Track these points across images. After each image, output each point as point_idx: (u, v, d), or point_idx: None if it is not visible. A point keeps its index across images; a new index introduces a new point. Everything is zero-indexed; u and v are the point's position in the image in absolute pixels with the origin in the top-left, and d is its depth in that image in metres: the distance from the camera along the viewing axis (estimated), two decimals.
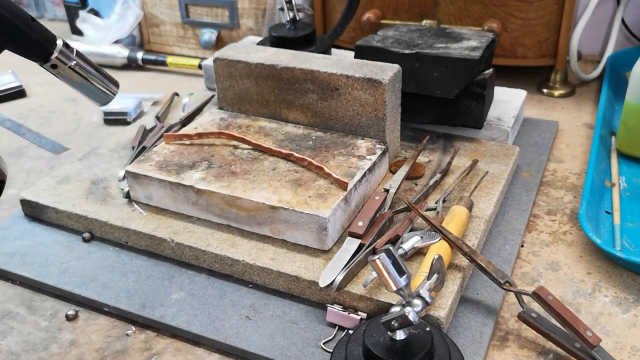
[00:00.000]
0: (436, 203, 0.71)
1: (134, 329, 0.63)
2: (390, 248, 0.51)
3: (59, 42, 0.55)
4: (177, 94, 1.06)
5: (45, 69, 0.56)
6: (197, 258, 0.68)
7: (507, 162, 0.80)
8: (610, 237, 0.72)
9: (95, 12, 1.30)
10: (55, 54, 0.55)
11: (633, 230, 0.73)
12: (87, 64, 0.58)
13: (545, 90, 1.11)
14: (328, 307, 0.61)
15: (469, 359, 0.57)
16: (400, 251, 0.62)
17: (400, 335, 0.53)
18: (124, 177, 0.78)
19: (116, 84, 0.61)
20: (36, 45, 0.53)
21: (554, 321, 0.57)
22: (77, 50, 0.57)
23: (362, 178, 0.71)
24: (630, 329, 0.61)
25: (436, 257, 0.55)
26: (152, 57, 1.24)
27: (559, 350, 0.58)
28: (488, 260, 0.61)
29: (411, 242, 0.63)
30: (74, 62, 0.57)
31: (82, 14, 1.28)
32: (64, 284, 0.67)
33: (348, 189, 0.68)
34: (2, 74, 1.17)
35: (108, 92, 0.61)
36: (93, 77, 0.59)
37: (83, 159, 0.85)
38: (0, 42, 0.49)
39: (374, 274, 0.57)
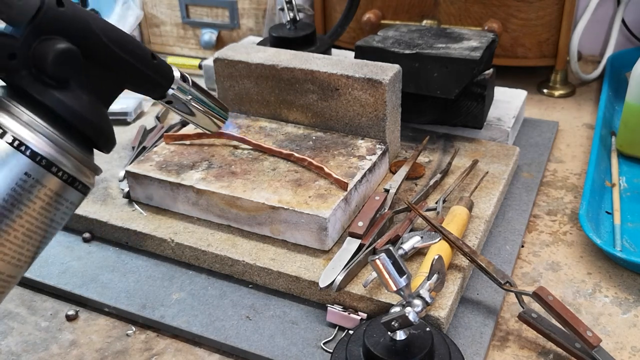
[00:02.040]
0: (436, 203, 0.71)
1: (134, 329, 0.63)
2: (391, 248, 0.51)
3: (176, 75, 0.53)
4: (160, 103, 1.06)
5: (160, 103, 0.54)
6: (198, 258, 0.68)
7: (508, 163, 0.80)
8: (610, 238, 0.72)
9: (96, 12, 1.30)
10: (172, 91, 0.53)
11: (633, 231, 0.73)
12: (202, 95, 0.56)
13: (545, 91, 1.11)
14: (328, 308, 0.61)
15: (469, 359, 0.57)
16: (401, 251, 0.62)
17: (400, 335, 0.53)
18: (124, 178, 0.78)
19: (226, 110, 0.60)
20: (155, 84, 0.51)
21: (554, 321, 0.57)
22: (192, 81, 0.55)
23: (362, 178, 0.71)
24: (631, 329, 0.61)
25: (436, 257, 0.55)
26: None
27: (559, 350, 0.58)
28: (488, 261, 0.61)
29: (411, 242, 0.63)
30: (189, 97, 0.55)
31: None
32: (64, 284, 0.67)
33: (348, 189, 0.68)
34: None
35: (218, 122, 0.59)
36: (206, 110, 0.57)
37: None
38: (119, 82, 0.47)
39: (374, 274, 0.57)
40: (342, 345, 0.56)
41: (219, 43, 1.26)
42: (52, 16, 0.41)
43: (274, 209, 0.66)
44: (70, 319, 0.64)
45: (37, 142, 0.40)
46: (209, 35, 1.25)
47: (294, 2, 0.95)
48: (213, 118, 0.58)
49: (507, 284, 0.60)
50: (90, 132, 0.43)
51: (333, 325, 0.61)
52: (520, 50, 1.08)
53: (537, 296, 0.57)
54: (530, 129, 0.94)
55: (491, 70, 0.85)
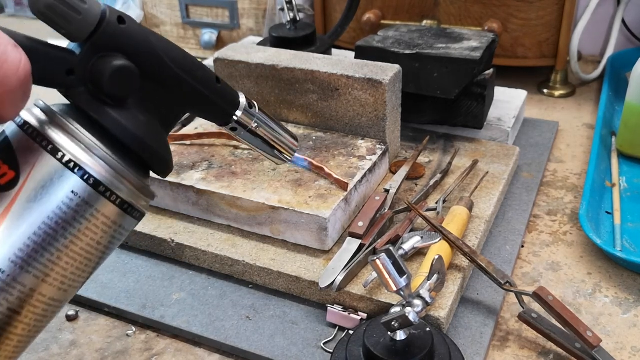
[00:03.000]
0: (436, 203, 0.71)
1: (134, 329, 0.63)
2: (391, 248, 0.51)
3: (242, 101, 0.49)
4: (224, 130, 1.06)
5: (224, 129, 0.51)
6: (198, 258, 0.69)
7: (508, 163, 0.80)
8: (610, 238, 0.72)
9: None
10: (237, 117, 0.49)
11: (633, 231, 0.73)
12: (270, 122, 0.53)
13: (545, 91, 1.11)
14: (328, 308, 0.61)
15: (469, 359, 0.57)
16: (401, 251, 0.62)
17: (400, 335, 0.53)
18: None
19: (295, 139, 0.55)
20: (219, 109, 0.48)
21: (554, 321, 0.57)
22: (259, 108, 0.51)
23: (362, 178, 0.71)
24: (631, 329, 0.61)
25: (436, 257, 0.55)
26: None
27: (560, 350, 0.58)
28: (488, 261, 0.61)
29: (411, 242, 0.63)
30: (255, 124, 0.51)
31: None
32: None
33: (348, 189, 0.68)
34: None
35: (287, 154, 0.55)
36: (273, 139, 0.53)
37: None
38: (180, 106, 0.44)
39: (374, 275, 0.57)
40: (342, 346, 0.56)
41: (219, 43, 1.26)
42: (112, 32, 0.39)
43: (274, 209, 0.66)
44: (70, 319, 0.64)
45: (93, 164, 0.38)
46: (209, 35, 1.25)
47: (294, 2, 0.95)
48: (281, 148, 0.54)
49: (507, 284, 0.60)
50: (146, 156, 0.41)
51: (333, 326, 0.61)
52: (520, 50, 1.08)
53: (537, 296, 0.57)
54: (530, 129, 0.94)
55: (491, 70, 0.85)
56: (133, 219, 0.41)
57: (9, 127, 0.38)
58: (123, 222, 0.40)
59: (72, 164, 0.37)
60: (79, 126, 0.38)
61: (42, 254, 0.37)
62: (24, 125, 0.38)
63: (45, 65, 0.36)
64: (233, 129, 0.50)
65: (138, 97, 0.41)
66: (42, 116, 0.38)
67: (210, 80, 0.45)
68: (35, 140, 0.37)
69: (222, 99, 0.47)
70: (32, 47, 0.35)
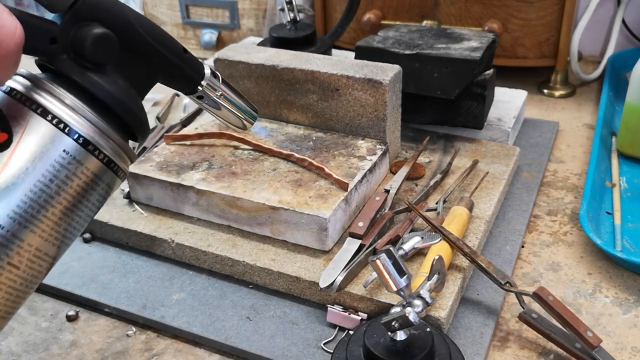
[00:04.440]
0: (436, 203, 0.71)
1: (134, 329, 0.63)
2: (391, 248, 0.51)
3: (207, 72, 0.53)
4: (177, 95, 1.06)
5: (191, 99, 0.55)
6: (198, 259, 0.69)
7: (508, 163, 0.80)
8: (610, 238, 0.72)
9: None
10: (203, 87, 0.53)
11: (633, 231, 0.73)
12: (232, 92, 0.57)
13: (545, 91, 1.11)
14: (328, 308, 0.61)
15: (469, 359, 0.57)
16: (401, 252, 0.62)
17: (400, 335, 0.53)
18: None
19: (255, 111, 0.60)
20: (187, 77, 0.52)
21: (554, 322, 0.57)
22: (222, 78, 0.55)
23: (362, 178, 0.71)
24: (631, 329, 0.61)
25: (437, 257, 0.55)
26: None
27: (560, 350, 0.58)
28: (488, 261, 0.61)
29: (412, 242, 0.63)
30: (220, 92, 0.55)
31: None
32: (64, 285, 0.67)
33: (348, 189, 0.68)
34: None
35: (246, 122, 0.60)
36: (235, 107, 0.58)
37: None
38: (152, 75, 0.48)
39: (375, 275, 0.57)
40: (342, 346, 0.56)
41: (219, 43, 1.26)
42: (90, 3, 0.42)
43: (274, 209, 0.66)
44: (70, 319, 0.64)
45: (78, 123, 0.41)
46: (209, 35, 1.25)
47: (294, 3, 0.95)
48: (242, 117, 0.59)
49: (508, 284, 0.60)
50: (127, 117, 0.44)
51: (333, 326, 0.61)
52: (520, 50, 1.08)
53: (537, 296, 0.57)
54: (530, 129, 0.94)
55: (491, 70, 0.85)
56: (117, 177, 0.44)
57: None
58: (109, 180, 0.44)
59: (62, 125, 0.41)
60: (63, 90, 0.41)
61: (39, 210, 0.40)
62: (12, 92, 0.41)
63: (30, 34, 0.39)
64: (199, 97, 0.54)
65: (115, 64, 0.44)
66: (27, 82, 0.41)
67: (178, 50, 0.49)
68: (25, 104, 0.40)
69: (190, 67, 0.51)
70: (20, 17, 0.37)
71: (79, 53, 0.42)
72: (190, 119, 0.93)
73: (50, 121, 0.40)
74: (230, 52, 0.83)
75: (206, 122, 0.83)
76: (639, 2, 1.16)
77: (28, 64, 0.42)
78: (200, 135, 0.79)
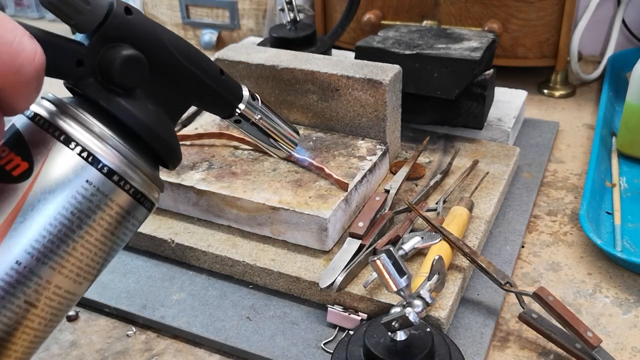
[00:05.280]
0: (437, 204, 0.71)
1: (134, 329, 0.63)
2: (391, 249, 0.51)
3: (245, 94, 0.50)
4: (227, 122, 1.06)
5: (228, 122, 0.52)
6: (198, 259, 0.69)
7: (508, 163, 0.80)
8: (610, 238, 0.72)
9: None
10: (241, 110, 0.50)
11: (634, 231, 0.73)
12: (272, 115, 0.53)
13: (545, 91, 1.11)
14: (328, 308, 0.61)
15: (469, 359, 0.57)
16: (401, 252, 0.62)
17: (400, 335, 0.53)
18: None
19: (297, 133, 0.57)
20: (223, 101, 0.48)
21: (554, 322, 0.57)
22: (261, 101, 0.52)
23: (362, 179, 0.71)
24: (631, 329, 0.61)
25: (437, 257, 0.55)
26: None
27: (560, 350, 0.58)
28: (489, 261, 0.61)
29: (412, 242, 0.63)
30: (259, 116, 0.52)
31: None
32: None
33: (349, 189, 0.68)
34: None
35: (288, 147, 0.56)
36: (275, 132, 0.54)
37: None
38: (186, 98, 0.44)
39: (375, 275, 0.57)
40: (342, 346, 0.56)
41: (219, 43, 1.26)
42: (119, 23, 0.39)
43: (275, 209, 0.66)
44: (70, 319, 0.64)
45: (103, 152, 0.38)
46: (209, 35, 1.25)
47: (294, 3, 0.95)
48: (282, 141, 0.56)
49: (508, 285, 0.60)
50: (157, 146, 0.41)
51: (333, 326, 0.61)
52: (520, 50, 1.08)
53: (537, 296, 0.57)
54: (530, 130, 0.94)
55: (491, 70, 0.85)
56: (145, 209, 0.41)
57: (19, 120, 0.38)
58: (136, 212, 0.40)
59: (85, 154, 0.37)
60: (90, 116, 0.38)
61: (58, 245, 0.37)
62: (35, 117, 0.38)
63: (55, 56, 0.36)
64: (237, 122, 0.51)
65: (146, 88, 0.41)
66: (52, 107, 0.38)
67: (214, 72, 0.46)
68: (47, 130, 0.37)
69: (227, 90, 0.48)
70: (43, 39, 0.35)
71: (107, 76, 0.39)
72: (190, 119, 0.93)
73: (73, 149, 0.37)
74: (230, 52, 0.83)
75: (206, 122, 0.83)
76: (639, 2, 1.16)
77: (59, 89, 0.40)
78: (200, 135, 0.79)
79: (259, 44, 0.99)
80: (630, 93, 0.83)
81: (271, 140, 0.55)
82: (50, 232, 0.36)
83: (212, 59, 0.84)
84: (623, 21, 1.16)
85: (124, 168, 0.39)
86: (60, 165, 0.37)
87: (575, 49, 1.08)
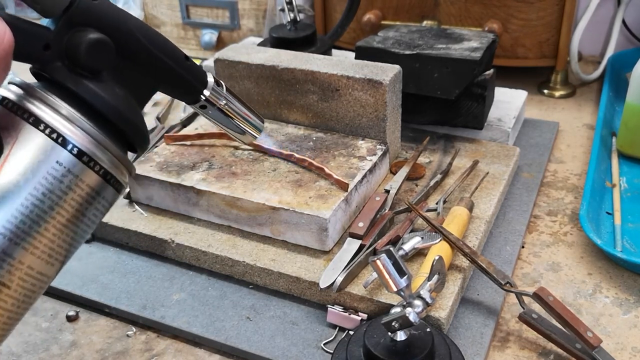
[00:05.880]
0: (437, 204, 0.71)
1: (134, 329, 0.63)
2: (391, 249, 0.51)
3: (210, 80, 0.51)
4: (192, 108, 1.06)
5: (194, 108, 0.52)
6: (198, 259, 0.69)
7: (508, 163, 0.80)
8: (611, 238, 0.72)
9: None
10: (206, 95, 0.51)
11: (634, 231, 0.73)
12: (236, 102, 0.54)
13: (545, 91, 1.11)
14: (329, 308, 0.61)
15: (469, 359, 0.57)
16: (401, 252, 0.62)
17: (401, 336, 0.53)
18: None
19: (262, 121, 0.58)
20: (189, 86, 0.49)
21: (554, 322, 0.57)
22: (226, 87, 0.53)
23: (362, 179, 0.71)
24: (631, 329, 0.61)
25: (437, 258, 0.55)
26: None
27: (560, 351, 0.58)
28: (489, 261, 0.61)
29: (412, 242, 0.63)
30: (224, 102, 0.53)
31: None
32: (64, 285, 0.67)
33: (349, 189, 0.68)
34: None
35: (253, 132, 0.57)
36: (240, 117, 0.55)
37: None
38: (152, 84, 0.45)
39: (375, 275, 0.57)
40: (342, 346, 0.56)
41: (220, 44, 1.26)
42: (85, 8, 0.40)
43: (275, 209, 0.66)
44: (70, 319, 0.64)
45: (73, 132, 0.39)
46: (210, 35, 1.25)
47: (294, 3, 0.95)
48: (248, 127, 0.57)
49: (508, 285, 0.60)
50: (124, 127, 0.42)
51: (333, 326, 0.61)
52: (520, 50, 1.08)
53: (537, 297, 0.57)
54: (530, 130, 0.94)
55: (491, 70, 0.85)
56: (115, 190, 0.42)
57: None
58: (105, 193, 0.41)
59: (55, 135, 0.38)
60: (58, 99, 0.39)
61: (30, 226, 0.37)
62: (3, 100, 0.38)
63: (22, 40, 0.37)
64: (202, 107, 0.52)
65: (113, 72, 0.42)
66: (20, 91, 0.39)
67: (179, 57, 0.47)
68: (16, 113, 0.38)
69: (192, 76, 0.49)
70: (10, 22, 0.35)
71: (74, 59, 0.40)
72: (190, 119, 0.93)
73: (43, 131, 0.38)
74: (230, 53, 0.83)
75: (206, 122, 0.83)
76: (639, 2, 1.16)
77: (25, 74, 0.41)
78: (200, 136, 0.79)
79: (259, 44, 0.99)
80: (630, 93, 0.83)
81: (236, 126, 0.56)
82: (22, 213, 0.37)
83: (212, 59, 0.84)
84: (623, 21, 1.16)
85: (93, 149, 0.39)
86: (30, 147, 0.38)
87: (575, 49, 1.08)
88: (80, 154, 0.39)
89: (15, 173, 0.37)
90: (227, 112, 0.54)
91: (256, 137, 0.58)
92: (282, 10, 0.96)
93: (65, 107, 0.39)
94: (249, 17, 1.22)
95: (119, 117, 0.41)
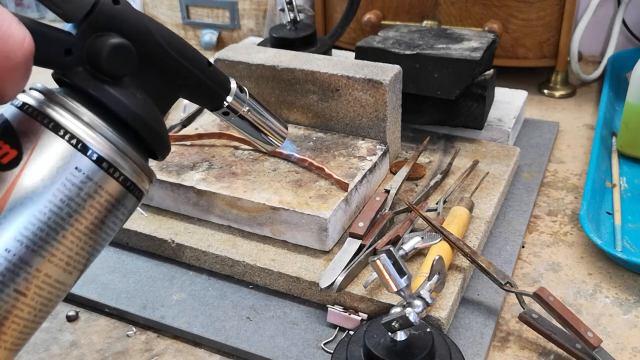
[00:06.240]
0: (437, 204, 0.71)
1: (134, 329, 0.63)
2: (391, 249, 0.51)
3: (233, 86, 0.51)
4: (215, 115, 1.06)
5: (217, 115, 0.52)
6: (198, 259, 0.69)
7: (508, 163, 0.80)
8: (611, 238, 0.72)
9: None
10: (229, 102, 0.51)
11: (634, 231, 0.73)
12: (260, 108, 0.54)
13: (546, 91, 1.11)
14: (329, 308, 0.61)
15: (469, 359, 0.57)
16: (401, 252, 0.62)
17: (401, 336, 0.53)
18: None
19: (285, 127, 0.57)
20: (212, 92, 0.49)
21: (554, 322, 0.57)
22: (249, 93, 0.53)
23: (362, 179, 0.71)
24: (632, 329, 0.61)
25: (437, 258, 0.55)
26: None
27: (560, 351, 0.58)
28: (489, 261, 0.61)
29: (412, 242, 0.63)
30: (247, 108, 0.52)
31: None
32: None
33: (349, 189, 0.68)
34: None
35: (276, 140, 0.56)
36: (263, 125, 0.55)
37: None
38: (174, 90, 0.45)
39: (375, 275, 0.57)
40: (342, 346, 0.56)
41: (220, 44, 1.26)
42: (107, 13, 0.40)
43: (275, 209, 0.66)
44: (70, 319, 0.64)
45: (92, 139, 0.38)
46: (210, 35, 1.25)
47: (294, 3, 0.95)
48: (270, 134, 0.56)
49: (508, 285, 0.60)
50: (146, 134, 0.41)
51: (333, 326, 0.61)
52: (520, 50, 1.08)
53: (537, 297, 0.57)
54: (530, 130, 0.94)
55: (492, 70, 0.85)
56: (135, 198, 0.41)
57: (8, 110, 0.38)
58: (125, 201, 0.40)
59: (74, 141, 0.37)
60: (78, 104, 0.38)
61: (48, 233, 0.37)
62: (23, 106, 0.38)
63: (43, 45, 0.36)
64: (225, 114, 0.51)
65: (134, 78, 0.41)
66: (40, 96, 0.38)
67: (202, 63, 0.46)
68: (36, 119, 0.37)
69: (214, 82, 0.48)
70: (31, 27, 0.35)
71: (95, 65, 0.39)
72: (190, 119, 0.93)
73: (62, 137, 0.37)
74: (230, 53, 0.83)
75: (206, 122, 0.83)
76: (639, 2, 1.16)
77: (46, 79, 0.40)
78: (200, 136, 0.79)
79: (259, 44, 0.99)
80: (630, 93, 0.83)
81: (259, 133, 0.55)
82: (40, 220, 0.36)
83: (212, 59, 0.84)
84: (623, 21, 1.16)
85: (113, 156, 0.38)
86: (50, 153, 0.37)
87: (576, 49, 1.08)
88: (100, 161, 0.38)
89: (34, 179, 0.36)
90: (249, 119, 0.53)
91: (279, 145, 0.57)
92: (282, 10, 0.96)
93: (85, 113, 0.38)
94: (249, 17, 1.22)
95: (140, 123, 0.40)
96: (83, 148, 0.38)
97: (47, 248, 0.37)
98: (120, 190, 0.39)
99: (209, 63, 0.47)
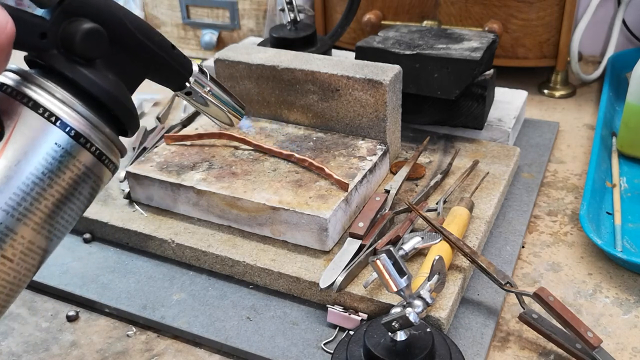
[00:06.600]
0: (437, 204, 0.71)
1: (134, 329, 0.63)
2: (391, 249, 0.51)
3: (195, 69, 0.54)
4: (177, 95, 1.06)
5: (179, 95, 0.55)
6: (198, 259, 0.69)
7: (508, 163, 0.80)
8: (611, 238, 0.72)
9: None
10: (191, 82, 0.54)
11: (634, 231, 0.73)
12: (220, 89, 0.58)
13: (546, 91, 1.11)
14: (329, 308, 0.61)
15: (470, 359, 0.57)
16: (401, 252, 0.62)
17: (401, 336, 0.53)
18: (125, 178, 0.78)
19: (243, 108, 0.61)
20: (175, 73, 0.52)
21: (555, 322, 0.57)
22: (210, 75, 0.56)
23: (362, 179, 0.71)
24: (632, 329, 0.61)
25: (437, 258, 0.55)
26: None
27: (560, 351, 0.58)
28: (489, 261, 0.61)
29: (412, 242, 0.63)
30: (208, 88, 0.56)
31: None
32: (64, 285, 0.67)
33: (349, 189, 0.68)
34: None
35: (234, 117, 0.60)
36: (223, 103, 0.58)
37: None
38: (141, 71, 0.49)
39: (375, 275, 0.57)
40: (342, 346, 0.56)
41: (220, 44, 1.26)
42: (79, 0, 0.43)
43: (275, 209, 0.66)
44: (70, 319, 0.64)
45: (70, 116, 0.42)
46: (210, 36, 1.25)
47: (294, 3, 0.95)
48: (229, 113, 0.60)
49: (508, 285, 0.60)
50: (117, 110, 0.45)
51: (333, 326, 0.61)
52: (520, 50, 1.08)
53: (537, 297, 0.57)
54: (530, 130, 0.94)
55: (492, 70, 0.85)
56: (108, 170, 0.45)
57: None
58: (100, 173, 0.44)
59: (53, 118, 0.41)
60: (54, 84, 0.42)
61: (32, 203, 0.40)
62: (2, 86, 0.41)
63: (21, 29, 0.39)
64: (188, 93, 0.55)
65: (105, 60, 0.45)
66: (18, 77, 0.42)
67: (167, 46, 0.50)
68: (16, 98, 0.41)
69: (178, 64, 0.52)
70: (9, 12, 0.37)
71: (69, 48, 0.42)
72: (190, 119, 0.93)
73: (42, 114, 0.41)
74: (230, 53, 0.83)
75: (206, 122, 0.83)
76: (639, 2, 1.16)
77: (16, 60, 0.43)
78: (200, 136, 0.79)
79: (259, 44, 0.99)
80: (630, 93, 0.83)
81: (220, 111, 0.59)
82: (23, 191, 0.40)
83: (212, 59, 0.84)
84: (623, 21, 1.16)
85: (89, 131, 0.42)
86: (30, 129, 0.41)
87: (576, 49, 1.08)
88: (77, 136, 0.42)
89: (17, 154, 0.40)
90: (210, 98, 0.57)
91: (239, 121, 0.61)
92: (282, 10, 0.96)
93: (61, 92, 0.42)
94: (249, 17, 1.22)
95: (112, 101, 0.44)
96: (61, 124, 0.41)
97: (31, 216, 0.41)
98: (95, 162, 0.43)
99: (173, 46, 0.51)
